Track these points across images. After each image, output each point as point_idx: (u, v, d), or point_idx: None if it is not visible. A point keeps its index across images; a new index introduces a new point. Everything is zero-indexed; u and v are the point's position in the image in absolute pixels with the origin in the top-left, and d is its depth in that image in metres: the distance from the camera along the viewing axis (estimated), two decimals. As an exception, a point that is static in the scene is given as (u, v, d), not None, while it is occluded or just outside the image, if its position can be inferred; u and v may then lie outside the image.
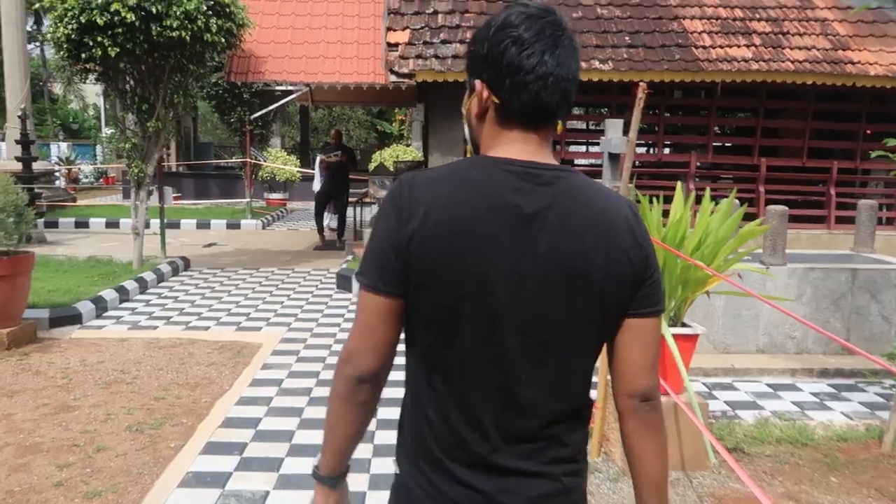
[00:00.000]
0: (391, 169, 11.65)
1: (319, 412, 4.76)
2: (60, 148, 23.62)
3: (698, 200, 5.19)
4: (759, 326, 5.84)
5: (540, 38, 1.25)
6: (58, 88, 31.98)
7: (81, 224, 14.47)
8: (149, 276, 8.68)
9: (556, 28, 1.27)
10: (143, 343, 6.31)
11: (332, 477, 1.43)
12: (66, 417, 4.61)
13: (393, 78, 9.47)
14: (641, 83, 3.67)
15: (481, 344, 1.27)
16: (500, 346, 1.26)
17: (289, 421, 4.62)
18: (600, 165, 6.07)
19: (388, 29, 9.93)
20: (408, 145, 21.63)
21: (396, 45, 9.78)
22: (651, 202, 4.10)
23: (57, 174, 19.42)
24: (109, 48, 7.87)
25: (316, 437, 4.39)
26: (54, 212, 15.38)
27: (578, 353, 1.31)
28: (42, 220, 13.17)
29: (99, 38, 7.84)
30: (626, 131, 4.48)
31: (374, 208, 13.72)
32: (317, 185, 12.13)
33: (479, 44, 1.32)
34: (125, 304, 7.72)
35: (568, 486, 1.33)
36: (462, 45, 9.88)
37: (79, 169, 24.28)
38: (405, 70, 9.42)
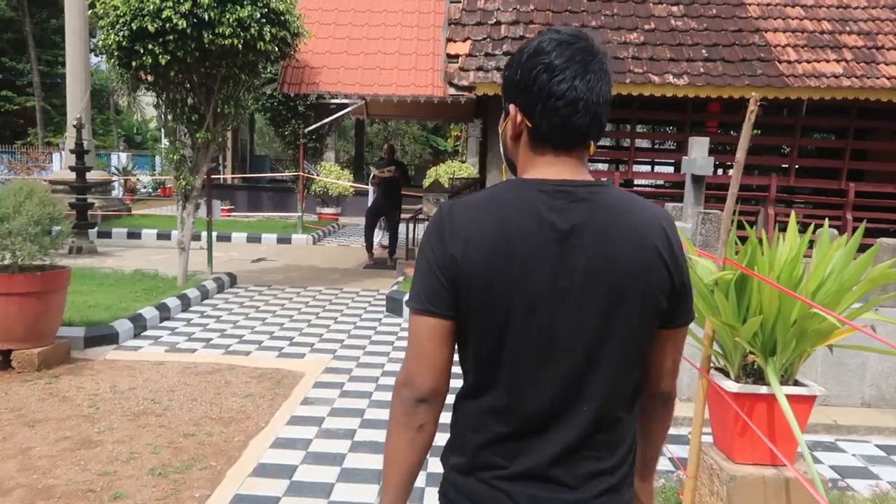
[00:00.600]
0: (446, 185, 11.15)
1: (362, 460, 4.23)
2: (120, 158, 23.86)
3: (781, 228, 4.54)
4: (866, 377, 5.11)
5: (570, 64, 1.30)
6: (123, 100, 32.64)
7: (134, 235, 14.36)
8: (192, 293, 8.33)
9: (587, 54, 1.32)
10: (179, 368, 5.90)
11: None
12: (87, 455, 4.18)
13: (452, 91, 8.98)
14: (753, 95, 3.04)
15: (528, 361, 1.32)
16: (545, 362, 1.31)
17: (328, 471, 4.10)
18: (666, 186, 5.43)
19: (449, 40, 9.47)
20: (463, 161, 21.18)
21: (456, 56, 9.31)
22: (761, 229, 3.46)
23: (114, 184, 19.57)
24: (160, 56, 7.58)
25: (357, 491, 3.85)
26: (109, 222, 15.35)
27: (622, 364, 1.34)
28: (95, 230, 13.06)
29: (150, 46, 7.55)
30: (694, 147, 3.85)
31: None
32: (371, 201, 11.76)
33: (513, 70, 1.38)
34: (165, 323, 7.35)
35: (607, 501, 1.36)
36: (526, 57, 9.36)
37: (137, 179, 24.51)
38: (465, 83, 8.93)
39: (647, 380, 1.45)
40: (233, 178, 22.95)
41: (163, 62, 7.60)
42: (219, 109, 8.34)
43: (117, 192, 23.04)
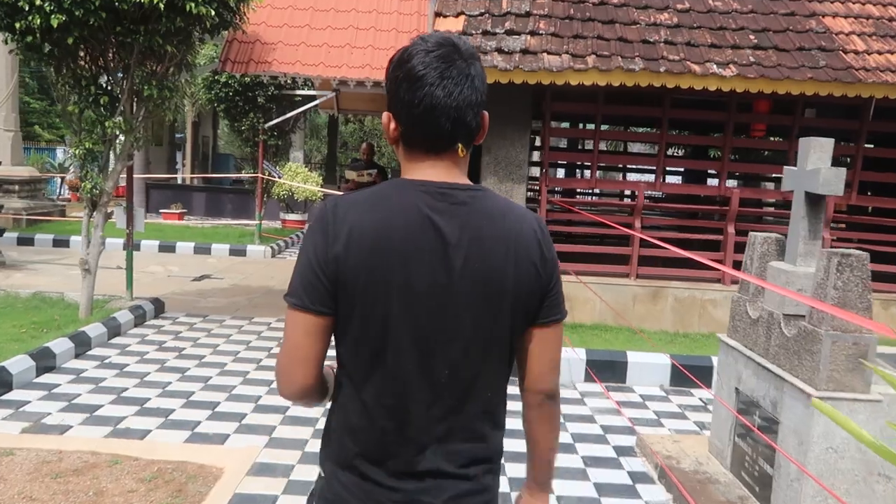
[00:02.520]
0: None
1: None
2: (67, 153, 21.65)
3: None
4: None
5: (428, 71, 1.35)
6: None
7: (61, 243, 12.28)
8: (96, 329, 6.35)
9: (445, 60, 1.36)
10: (31, 465, 3.94)
11: None
12: None
13: (440, 76, 7.13)
14: None
15: (406, 355, 1.36)
16: (422, 356, 1.37)
17: None
18: (713, 202, 3.49)
19: (437, 14, 7.61)
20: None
21: (446, 34, 7.44)
22: None
23: (53, 183, 17.44)
24: (52, 15, 5.62)
25: None
26: (34, 227, 13.24)
27: (495, 360, 1.42)
28: (2, 236, 10.99)
29: (37, 1, 5.58)
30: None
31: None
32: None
33: (386, 79, 1.43)
34: (45, 378, 5.38)
35: (485, 484, 1.45)
36: (534, 37, 7.53)
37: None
38: (457, 66, 7.07)
39: (528, 379, 1.49)
40: (191, 178, 20.87)
41: (55, 23, 5.63)
42: (137, 90, 6.38)
43: (59, 191, 20.89)
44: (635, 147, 13.52)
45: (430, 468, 1.39)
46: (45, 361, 5.50)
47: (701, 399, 5.80)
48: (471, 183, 1.41)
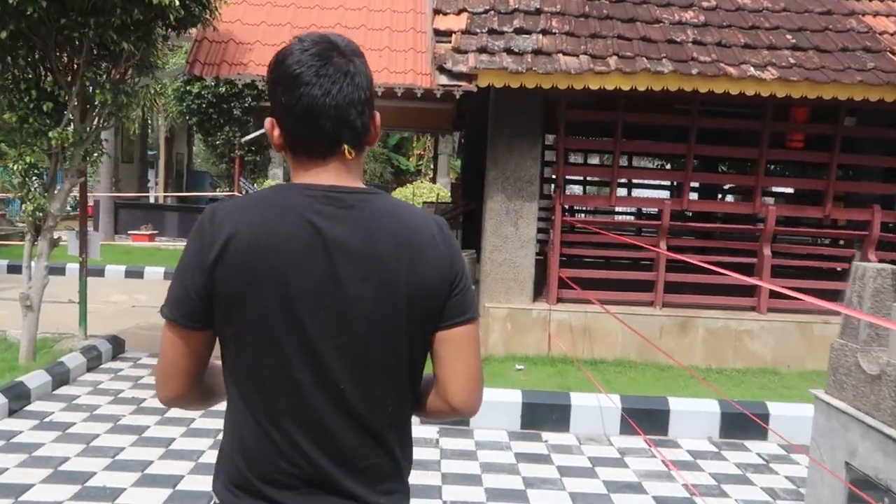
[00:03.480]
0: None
1: None
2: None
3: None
4: None
5: (303, 70, 1.29)
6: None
7: (16, 269, 11.14)
8: (37, 379, 5.32)
9: (320, 58, 1.30)
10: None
11: None
12: None
13: (443, 79, 6.22)
14: None
15: (293, 366, 1.29)
16: (310, 367, 1.29)
17: None
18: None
19: (436, 12, 6.74)
20: (432, 181, 18.39)
21: (448, 33, 6.57)
22: None
23: (11, 200, 16.27)
24: (9, 21, 4.67)
25: None
26: (-11, 250, 12.13)
27: (391, 369, 1.34)
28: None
29: (-39, -15, 4.62)
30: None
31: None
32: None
33: (267, 82, 1.37)
34: (-34, 446, 4.36)
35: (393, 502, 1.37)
36: (547, 37, 6.67)
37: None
38: (462, 68, 6.17)
39: (442, 390, 1.40)
40: (164, 197, 19.79)
41: (-17, 13, 4.67)
42: (86, 95, 5.42)
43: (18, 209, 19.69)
44: (639, 161, 12.69)
45: (326, 486, 1.32)
46: (-33, 425, 4.48)
47: (760, 455, 4.91)
48: (362, 186, 1.37)
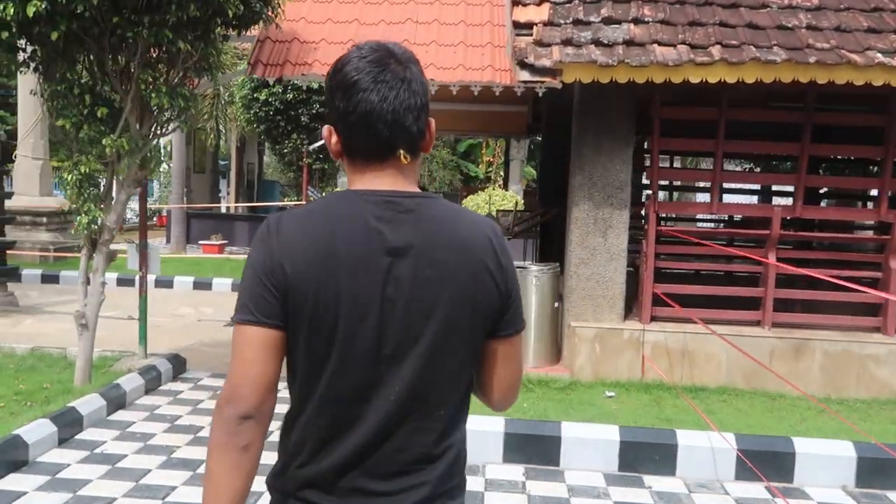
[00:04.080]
0: (499, 220, 7.71)
1: None
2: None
3: None
4: None
5: (361, 77, 1.31)
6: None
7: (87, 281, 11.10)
8: (91, 403, 4.96)
9: (378, 65, 1.32)
10: None
11: None
12: None
13: (524, 75, 5.63)
14: None
15: (355, 370, 1.31)
16: (373, 371, 1.31)
17: None
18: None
19: (515, 3, 6.17)
20: (503, 188, 17.76)
21: (529, 25, 5.98)
22: None
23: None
24: (30, 4, 4.33)
25: None
26: (62, 263, 12.13)
27: (450, 375, 1.36)
28: (19, 273, 9.86)
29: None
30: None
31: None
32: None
33: (326, 90, 1.41)
34: (7, 481, 3.99)
35: None
36: (640, 26, 6.00)
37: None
38: (545, 62, 5.57)
39: (485, 395, 1.47)
40: (235, 206, 19.81)
41: (31, 13, 4.34)
42: (142, 99, 5.05)
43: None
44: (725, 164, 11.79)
45: (373, 490, 1.33)
46: (13, 455, 4.12)
47: (909, 510, 4.13)
48: (417, 190, 1.39)
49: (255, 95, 11.14)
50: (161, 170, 22.99)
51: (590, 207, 6.15)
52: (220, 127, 16.81)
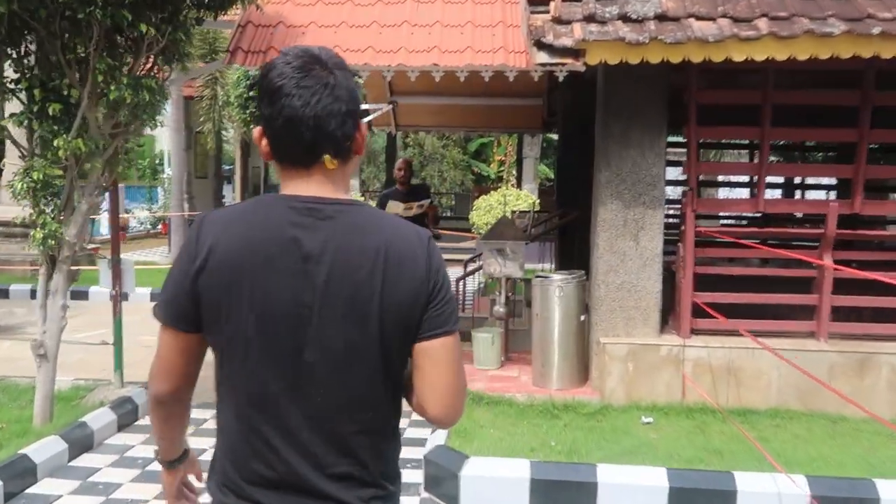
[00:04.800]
0: (512, 222, 6.95)
1: None
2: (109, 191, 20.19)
3: None
4: None
5: (285, 82, 1.33)
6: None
7: (79, 294, 10.48)
8: (45, 451, 4.25)
9: (301, 70, 1.34)
10: None
11: (171, 461, 1.59)
12: None
13: (542, 57, 4.90)
14: None
15: (271, 372, 1.34)
16: (288, 373, 1.34)
17: None
18: None
19: (529, -24, 5.45)
20: (516, 187, 17.00)
21: (545, 1, 5.27)
22: None
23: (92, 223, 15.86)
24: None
25: None
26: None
27: (365, 378, 1.36)
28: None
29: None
30: None
31: (475, 285, 9.20)
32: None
33: (257, 95, 1.47)
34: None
35: None
36: (673, -3, 5.28)
37: (130, 215, 20.90)
38: (565, 42, 4.85)
39: (420, 406, 1.43)
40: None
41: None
42: (100, 91, 4.37)
43: (101, 231, 19.45)
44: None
45: (307, 488, 1.35)
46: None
47: None
48: (343, 197, 1.40)
49: (250, 94, 10.47)
50: (164, 175, 22.46)
51: (619, 207, 5.41)
52: (222, 130, 16.17)
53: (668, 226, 5.51)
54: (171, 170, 14.58)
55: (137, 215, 20.88)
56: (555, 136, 26.86)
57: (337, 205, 1.36)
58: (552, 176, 28.82)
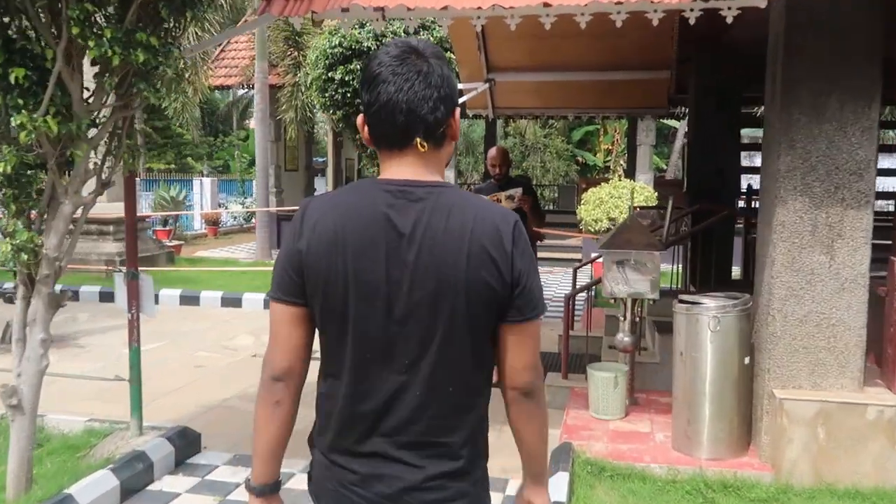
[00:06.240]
0: (641, 224, 5.33)
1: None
2: (203, 185, 19.75)
3: None
4: None
5: (382, 71, 1.43)
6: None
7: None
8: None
9: (398, 59, 1.44)
10: None
11: (262, 485, 1.57)
12: None
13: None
14: None
15: (363, 347, 1.45)
16: (381, 348, 1.44)
17: None
18: None
19: None
20: (628, 177, 15.18)
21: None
22: None
23: (151, 222, 15.21)
24: None
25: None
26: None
27: (456, 354, 1.45)
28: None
29: None
30: None
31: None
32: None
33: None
34: None
35: (451, 486, 1.47)
36: None
37: (224, 209, 20.42)
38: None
39: (503, 375, 1.52)
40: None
41: None
42: (76, 50, 3.16)
43: (194, 225, 19.02)
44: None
45: (392, 456, 1.44)
46: None
47: None
48: (437, 179, 1.47)
49: (329, 75, 9.31)
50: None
51: (805, 206, 3.80)
52: (309, 119, 15.27)
53: (875, 232, 3.84)
54: (257, 162, 13.71)
55: (231, 209, 20.40)
56: (669, 123, 24.76)
57: (428, 187, 1.45)
58: (663, 166, 26.73)
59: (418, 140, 1.43)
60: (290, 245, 1.45)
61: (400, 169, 1.45)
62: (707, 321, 3.96)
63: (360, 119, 1.49)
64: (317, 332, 1.51)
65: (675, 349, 4.17)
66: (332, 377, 1.48)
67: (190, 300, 9.64)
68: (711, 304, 4.01)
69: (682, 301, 4.17)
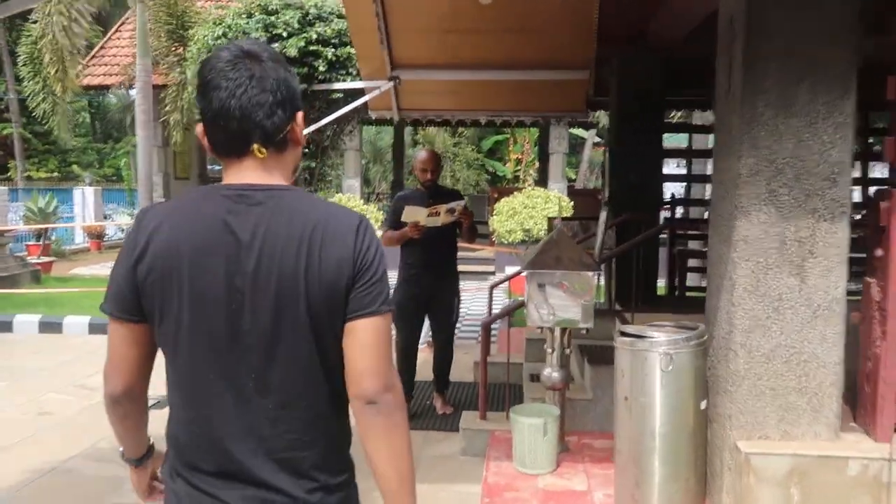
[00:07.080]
0: (570, 239, 4.59)
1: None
2: (85, 195, 18.03)
3: None
4: None
5: (213, 76, 1.38)
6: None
7: (3, 326, 8.30)
8: None
9: (230, 63, 1.38)
10: None
11: (136, 458, 1.59)
12: None
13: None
14: None
15: (205, 358, 1.37)
16: (222, 358, 1.37)
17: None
18: None
19: None
20: (541, 186, 14.68)
21: None
22: None
23: (18, 236, 13.63)
24: None
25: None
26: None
27: (300, 361, 1.38)
28: None
29: None
30: None
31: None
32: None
33: None
34: None
35: (314, 500, 1.39)
36: None
37: (111, 220, 18.79)
38: None
39: (347, 382, 1.42)
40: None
41: None
42: None
43: (75, 239, 17.34)
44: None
45: (244, 476, 1.37)
46: None
47: None
48: (279, 183, 1.42)
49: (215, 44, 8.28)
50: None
51: (771, 218, 3.13)
52: (198, 119, 14.04)
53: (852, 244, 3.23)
54: (139, 169, 12.34)
55: (118, 221, 18.73)
56: (577, 133, 24.53)
57: (268, 190, 1.39)
58: (573, 176, 26.61)
59: (256, 146, 1.39)
60: (124, 257, 1.40)
61: (239, 174, 1.41)
62: (657, 359, 3.23)
63: (199, 128, 1.44)
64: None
65: (617, 393, 3.42)
66: (178, 395, 1.42)
67: (51, 327, 8.34)
68: (661, 339, 3.28)
69: (624, 334, 3.43)
